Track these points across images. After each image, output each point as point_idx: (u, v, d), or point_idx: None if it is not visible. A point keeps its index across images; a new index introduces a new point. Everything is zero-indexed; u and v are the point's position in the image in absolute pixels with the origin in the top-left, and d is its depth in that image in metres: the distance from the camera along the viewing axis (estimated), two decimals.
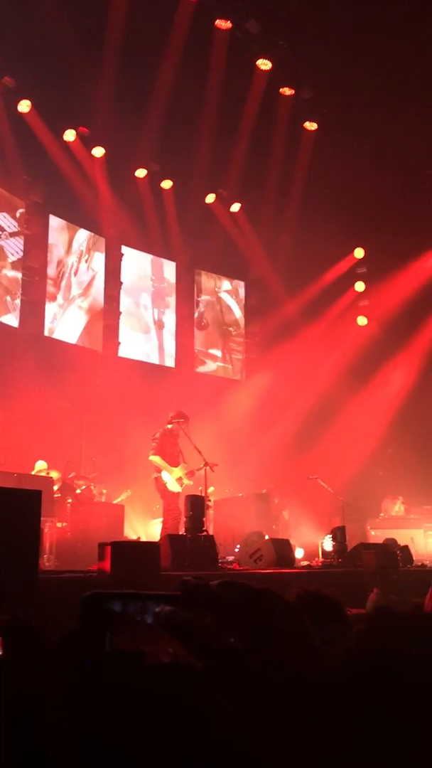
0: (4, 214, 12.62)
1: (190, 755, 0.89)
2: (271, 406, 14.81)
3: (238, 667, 0.82)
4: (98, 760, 0.96)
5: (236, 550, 9.75)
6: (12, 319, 12.57)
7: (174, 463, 9.37)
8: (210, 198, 15.16)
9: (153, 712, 0.92)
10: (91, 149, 13.41)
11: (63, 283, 13.67)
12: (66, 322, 13.59)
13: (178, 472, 9.33)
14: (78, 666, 0.98)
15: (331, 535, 9.15)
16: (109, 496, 10.99)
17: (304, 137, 14.31)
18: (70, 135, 13.06)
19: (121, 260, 14.79)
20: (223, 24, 12.26)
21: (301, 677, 0.81)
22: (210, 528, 9.34)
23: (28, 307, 12.86)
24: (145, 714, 0.93)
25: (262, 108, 13.43)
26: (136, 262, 15.17)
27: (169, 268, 15.73)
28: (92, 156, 13.47)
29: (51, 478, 9.90)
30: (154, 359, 15.23)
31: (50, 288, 13.38)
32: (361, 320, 16.75)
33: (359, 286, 16.63)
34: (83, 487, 10.45)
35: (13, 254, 12.78)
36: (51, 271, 13.41)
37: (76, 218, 13.83)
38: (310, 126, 14.21)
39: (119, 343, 14.46)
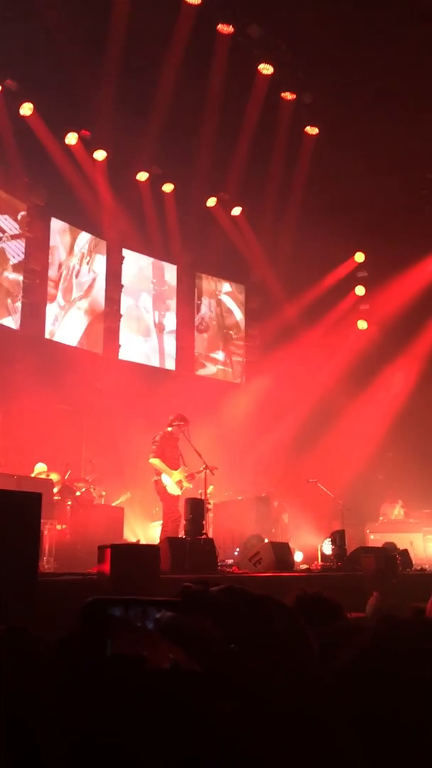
0: (6, 216, 12.65)
1: (190, 755, 0.90)
2: (271, 409, 14.82)
3: (238, 672, 0.83)
4: (98, 760, 0.97)
5: (236, 553, 9.75)
6: (12, 322, 12.59)
7: (174, 466, 9.37)
8: (211, 201, 15.19)
9: (153, 713, 0.93)
10: (93, 152, 13.44)
11: (64, 286, 13.69)
12: (67, 324, 13.61)
13: (177, 475, 9.34)
14: (78, 670, 0.99)
15: (330, 539, 9.15)
16: (109, 498, 10.99)
17: (305, 141, 14.33)
18: (71, 138, 13.09)
19: (121, 263, 14.82)
20: (225, 28, 12.29)
21: (301, 682, 0.82)
22: (209, 531, 9.35)
23: (29, 310, 12.87)
24: (144, 714, 0.93)
25: (264, 112, 13.46)
26: (136, 265, 15.20)
27: (170, 271, 15.76)
28: (94, 159, 13.49)
29: (51, 480, 9.91)
30: (155, 362, 15.24)
31: (51, 290, 13.40)
32: (362, 324, 16.77)
33: (359, 290, 16.65)
34: (83, 489, 10.45)
35: (14, 257, 12.79)
36: (52, 273, 13.43)
37: (78, 221, 13.86)
38: (311, 130, 14.24)
39: (119, 346, 14.48)
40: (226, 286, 16.80)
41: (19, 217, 12.89)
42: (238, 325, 16.90)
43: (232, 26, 12.26)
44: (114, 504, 10.90)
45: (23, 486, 8.39)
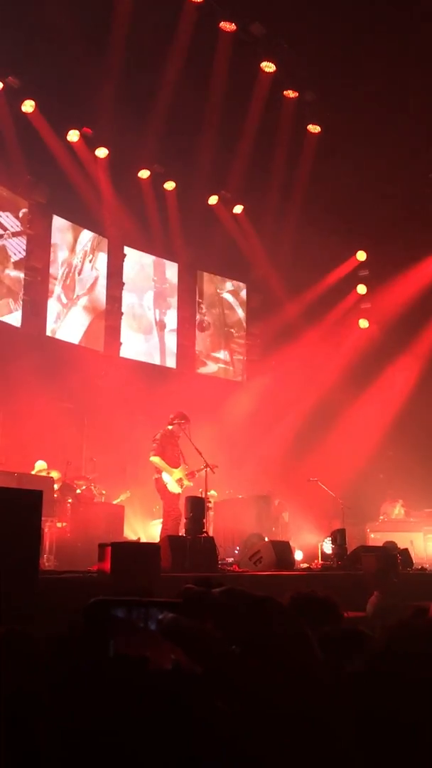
0: (7, 213, 12.65)
1: (190, 756, 0.90)
2: (272, 408, 14.82)
3: (239, 674, 0.83)
4: (98, 760, 0.97)
5: (236, 551, 9.76)
6: (14, 319, 12.59)
7: (174, 464, 9.38)
8: (213, 200, 15.18)
9: (153, 713, 0.93)
10: (95, 150, 13.43)
11: (66, 284, 13.70)
12: (69, 322, 13.62)
13: (178, 473, 9.34)
14: (79, 669, 0.99)
15: (330, 538, 9.15)
16: (109, 497, 11.00)
17: (307, 140, 14.32)
18: (73, 135, 13.08)
19: (123, 261, 14.82)
20: (227, 26, 12.27)
21: (304, 685, 0.82)
22: (210, 529, 9.35)
23: (31, 307, 12.88)
24: (145, 714, 0.93)
25: (266, 110, 13.44)
26: (138, 263, 15.20)
27: (171, 269, 15.75)
28: (96, 156, 13.49)
29: (51, 478, 9.92)
30: (156, 360, 15.24)
31: (53, 288, 13.41)
32: (363, 323, 16.76)
33: (361, 289, 16.65)
34: (83, 487, 10.46)
35: (15, 254, 12.80)
36: (54, 271, 13.44)
37: (79, 218, 13.86)
38: (314, 129, 14.22)
39: (121, 344, 14.48)
40: (228, 285, 16.80)
41: (20, 214, 12.89)
42: (239, 323, 16.89)
43: (235, 24, 12.24)
44: (114, 502, 10.91)
45: (24, 484, 8.39)
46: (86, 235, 14.13)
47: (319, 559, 9.42)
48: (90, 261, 14.22)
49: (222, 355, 16.46)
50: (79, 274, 13.99)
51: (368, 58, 11.77)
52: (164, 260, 15.58)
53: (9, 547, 4.39)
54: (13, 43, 11.02)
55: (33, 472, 9.98)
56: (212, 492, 10.16)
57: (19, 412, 11.15)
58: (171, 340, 15.55)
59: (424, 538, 12.22)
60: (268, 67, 13.01)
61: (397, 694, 0.90)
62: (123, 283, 14.74)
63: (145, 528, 11.44)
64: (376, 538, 11.92)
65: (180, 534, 8.37)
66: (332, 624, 1.72)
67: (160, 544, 7.14)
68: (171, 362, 15.47)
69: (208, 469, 9.44)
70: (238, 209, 15.52)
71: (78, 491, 10.24)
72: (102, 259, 14.44)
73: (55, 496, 9.55)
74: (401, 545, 9.71)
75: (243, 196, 15.24)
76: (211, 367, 16.22)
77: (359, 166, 13.53)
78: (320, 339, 15.73)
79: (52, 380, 11.47)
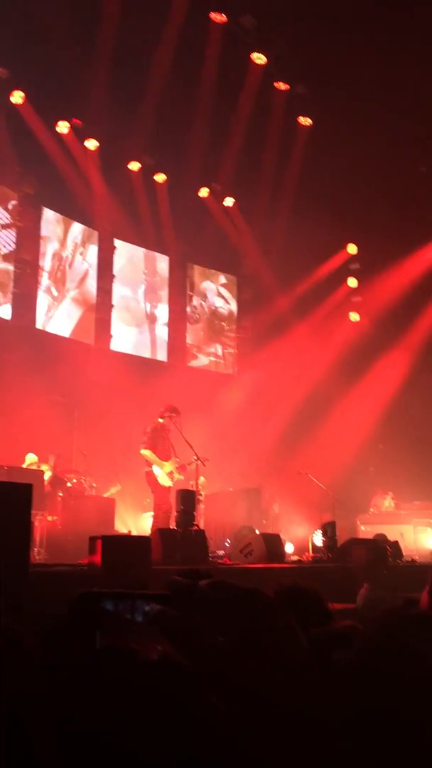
0: None
1: (189, 755, 0.90)
2: (263, 401, 14.83)
3: (226, 664, 0.82)
4: (97, 760, 0.96)
5: (227, 544, 9.78)
6: (4, 312, 12.52)
7: (165, 458, 9.37)
8: (203, 192, 15.13)
9: (151, 714, 0.92)
10: (84, 141, 13.35)
11: (57, 276, 13.64)
12: (60, 315, 13.56)
13: (169, 466, 9.34)
14: (68, 664, 0.99)
15: (321, 530, 9.18)
16: (100, 490, 10.98)
17: (298, 132, 14.28)
18: (63, 127, 12.99)
19: (113, 253, 14.76)
20: (217, 17, 12.21)
21: (290, 674, 0.82)
22: (201, 522, 9.36)
23: (20, 300, 12.81)
24: (142, 715, 0.93)
25: (257, 102, 13.39)
26: (128, 256, 15.13)
27: (162, 262, 15.70)
28: (85, 148, 13.40)
29: (42, 471, 9.90)
30: (146, 353, 15.20)
31: (45, 281, 13.34)
32: (354, 316, 16.78)
33: (352, 282, 16.66)
34: (74, 480, 10.44)
35: (5, 246, 12.72)
36: (45, 264, 13.37)
37: (69, 211, 13.77)
38: (305, 121, 14.18)
39: (111, 337, 14.43)
40: (219, 278, 16.76)
41: (9, 206, 12.80)
42: (230, 316, 16.87)
43: (225, 15, 12.17)
44: (105, 496, 10.89)
45: (14, 477, 8.37)
46: (77, 228, 14.06)
47: (310, 551, 9.45)
48: (81, 254, 14.16)
49: (213, 348, 16.45)
50: (70, 266, 13.92)
51: (360, 51, 11.75)
52: (155, 253, 15.52)
53: None
54: (1, 34, 10.92)
55: (23, 466, 9.95)
56: (201, 479, 10.15)
57: (9, 406, 11.10)
58: (162, 333, 15.52)
59: (414, 531, 12.28)
60: (259, 59, 12.96)
61: (389, 688, 0.90)
62: (113, 276, 14.68)
63: (136, 521, 11.44)
64: (367, 530, 11.97)
65: (171, 527, 8.37)
66: (317, 613, 1.72)
67: (150, 537, 7.14)
68: (162, 355, 15.44)
69: (199, 462, 9.44)
70: (228, 202, 15.47)
71: (69, 484, 10.23)
72: (93, 251, 14.37)
73: (46, 489, 9.53)
74: (391, 537, 9.75)
75: (234, 188, 15.19)
76: (202, 360, 16.20)
77: (350, 159, 13.50)
78: (311, 332, 15.74)
79: (42, 373, 11.43)
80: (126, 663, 0.93)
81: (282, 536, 9.03)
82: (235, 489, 11.92)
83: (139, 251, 15.28)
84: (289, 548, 9.71)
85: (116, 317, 14.64)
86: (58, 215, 13.71)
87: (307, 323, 15.79)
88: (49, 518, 9.15)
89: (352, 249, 16.36)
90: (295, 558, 9.42)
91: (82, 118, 13.06)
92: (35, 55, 11.50)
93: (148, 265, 15.49)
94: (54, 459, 10.62)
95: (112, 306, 14.56)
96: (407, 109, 12.55)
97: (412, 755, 0.90)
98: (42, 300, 13.23)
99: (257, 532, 9.20)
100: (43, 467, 10.13)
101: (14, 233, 12.85)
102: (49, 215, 13.54)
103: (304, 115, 14.12)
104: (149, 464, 9.34)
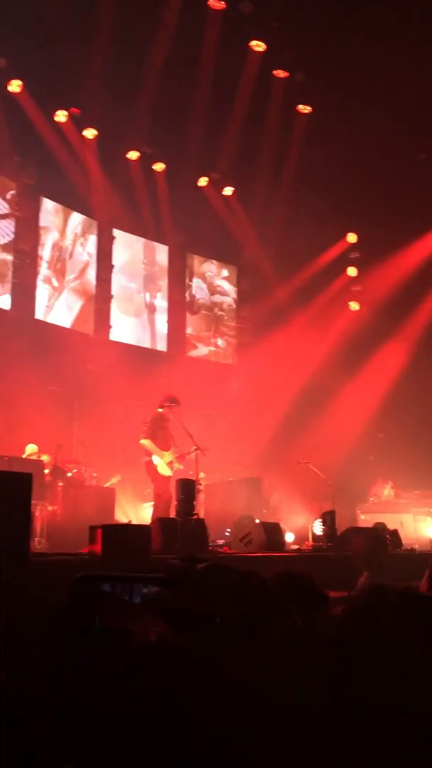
0: None
1: (188, 755, 0.91)
2: (263, 390, 14.84)
3: (221, 644, 0.83)
4: (98, 760, 0.97)
5: (227, 533, 9.80)
6: (3, 302, 12.51)
7: (165, 447, 9.38)
8: (202, 181, 15.06)
9: (151, 715, 0.93)
10: (83, 130, 13.28)
11: (57, 267, 13.61)
12: (61, 306, 13.55)
13: (168, 456, 9.35)
14: (67, 647, 0.99)
15: (321, 520, 9.19)
16: (100, 480, 11.01)
17: (297, 120, 14.19)
18: (61, 116, 12.92)
19: (112, 243, 14.72)
20: (216, 4, 12.10)
21: (284, 651, 0.83)
22: (201, 512, 9.38)
23: (19, 290, 12.79)
24: (143, 714, 0.93)
25: (256, 90, 13.29)
26: (127, 246, 15.10)
27: (161, 252, 15.67)
28: (84, 137, 13.34)
29: (42, 461, 9.92)
30: (146, 343, 15.20)
31: (45, 271, 13.32)
32: (353, 305, 16.76)
33: (351, 271, 16.62)
34: (74, 470, 10.46)
35: (3, 236, 12.69)
36: (45, 254, 13.34)
37: (68, 201, 13.73)
38: (304, 109, 14.09)
39: (110, 327, 14.42)
40: (218, 267, 16.73)
41: (8, 196, 12.75)
42: (229, 306, 16.85)
43: (224, 2, 12.07)
44: (105, 486, 10.92)
45: (14, 467, 8.38)
46: (76, 218, 14.02)
47: (310, 540, 9.47)
48: (81, 244, 14.13)
49: (213, 338, 16.43)
50: (70, 257, 13.90)
51: (359, 37, 11.66)
52: (154, 243, 15.49)
53: None
54: None
55: (24, 456, 9.97)
56: (201, 474, 10.18)
57: (9, 396, 11.11)
58: (161, 323, 15.50)
59: (413, 519, 12.31)
60: (258, 46, 12.85)
61: (361, 658, 0.91)
62: (112, 266, 14.65)
63: (136, 511, 11.47)
64: (366, 519, 12.00)
65: (171, 516, 8.39)
66: (311, 597, 1.73)
67: (150, 526, 7.16)
68: (161, 345, 15.43)
69: (199, 451, 9.46)
70: (228, 191, 15.41)
71: (69, 474, 10.25)
72: (92, 242, 14.34)
73: (47, 479, 9.56)
74: (391, 526, 9.76)
75: (233, 177, 15.12)
76: (201, 350, 16.19)
77: (350, 147, 13.44)
78: (311, 321, 15.72)
79: (41, 364, 11.43)
80: (122, 646, 0.94)
81: (282, 525, 9.05)
82: (235, 478, 11.94)
83: (138, 241, 15.24)
84: (289, 537, 9.73)
85: (115, 307, 14.62)
86: (57, 205, 13.66)
87: (307, 313, 15.78)
88: (50, 508, 9.18)
89: (351, 238, 16.32)
90: (295, 547, 9.44)
91: (81, 107, 12.99)
92: (33, 44, 11.40)
93: (147, 255, 15.46)
94: (56, 450, 10.64)
95: (111, 296, 14.54)
96: (407, 97, 12.47)
97: (383, 726, 0.91)
98: (42, 290, 13.21)
99: (257, 521, 9.21)
100: (44, 457, 10.15)
101: (13, 223, 12.81)
102: (48, 205, 13.50)
103: (304, 103, 14.03)
104: (149, 454, 9.35)
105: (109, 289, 14.52)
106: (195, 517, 7.97)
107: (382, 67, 12.02)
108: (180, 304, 15.90)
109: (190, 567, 0.83)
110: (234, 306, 16.87)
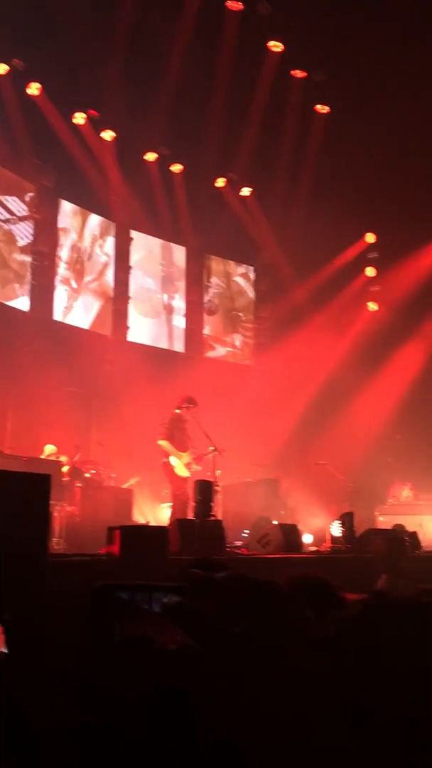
0: (14, 198, 12.61)
1: (188, 755, 0.91)
2: (281, 391, 14.79)
3: (240, 655, 0.83)
4: (100, 760, 0.98)
5: (244, 534, 9.78)
6: (22, 303, 12.60)
7: (182, 448, 9.39)
8: (220, 182, 15.06)
9: (169, 722, 0.93)
10: (101, 132, 13.34)
11: (76, 268, 13.69)
12: (80, 307, 13.63)
13: (186, 457, 9.36)
14: (88, 655, 1.00)
15: (339, 521, 9.15)
16: (118, 481, 11.05)
17: (315, 121, 14.15)
18: (79, 118, 12.99)
19: (130, 244, 14.77)
20: (234, 5, 12.11)
21: (305, 665, 0.82)
22: (218, 513, 9.38)
23: (38, 292, 12.88)
24: (161, 721, 0.94)
25: (274, 91, 13.28)
26: (145, 247, 15.14)
27: (179, 253, 15.69)
28: (102, 139, 13.40)
29: (61, 462, 9.97)
30: (164, 344, 15.23)
31: (64, 273, 13.40)
32: (372, 306, 16.66)
33: (370, 272, 16.52)
34: (93, 471, 10.50)
35: (22, 238, 12.78)
36: (64, 256, 13.42)
37: (86, 202, 13.80)
38: (322, 109, 14.05)
39: (128, 328, 14.47)
40: (236, 268, 16.72)
41: (26, 198, 12.85)
42: (247, 306, 16.83)
43: (242, 3, 12.07)
44: (123, 487, 10.95)
45: (33, 468, 8.45)
46: (95, 220, 14.09)
47: (328, 542, 9.42)
48: (99, 246, 14.20)
49: (230, 338, 16.43)
50: (89, 259, 13.98)
51: (377, 37, 11.60)
52: (172, 244, 15.51)
53: (18, 530, 4.42)
54: (17, 26, 10.91)
55: (42, 456, 10.03)
56: (218, 472, 10.16)
57: (28, 397, 11.19)
58: (179, 324, 15.52)
59: None
60: (276, 46, 12.83)
61: (361, 657, 0.91)
62: (130, 267, 14.70)
63: (154, 511, 11.49)
64: (385, 521, 11.90)
65: (188, 517, 8.40)
66: (328, 601, 1.73)
67: (168, 527, 7.17)
68: (179, 346, 15.45)
69: (216, 452, 9.45)
70: (245, 191, 15.40)
71: (87, 475, 10.29)
72: (110, 243, 14.40)
73: (65, 480, 9.61)
74: (410, 528, 9.69)
75: (251, 178, 15.10)
76: (219, 351, 16.19)
77: (368, 147, 13.36)
78: (329, 322, 15.64)
79: (60, 365, 11.49)
80: (140, 651, 0.95)
81: (300, 527, 9.03)
82: (253, 479, 11.92)
83: (156, 242, 15.28)
84: (307, 539, 9.69)
85: (133, 308, 14.67)
86: (75, 207, 13.74)
87: (325, 313, 15.70)
88: (68, 508, 9.22)
89: (370, 238, 16.22)
90: (313, 548, 9.41)
91: (99, 109, 13.05)
92: (51, 47, 11.48)
93: (165, 256, 15.49)
94: (79, 455, 10.67)
95: (129, 297, 14.58)
96: (426, 96, 12.38)
97: (378, 721, 0.91)
98: (61, 292, 13.29)
99: (275, 522, 9.19)
100: (62, 458, 10.20)
101: (32, 225, 12.90)
102: (66, 207, 13.58)
103: (322, 103, 13.98)
104: (166, 455, 9.36)
105: (126, 290, 14.57)
106: (212, 518, 7.98)
107: (400, 65, 11.95)
108: (198, 305, 15.91)
109: (209, 577, 0.83)
110: (252, 306, 16.85)
